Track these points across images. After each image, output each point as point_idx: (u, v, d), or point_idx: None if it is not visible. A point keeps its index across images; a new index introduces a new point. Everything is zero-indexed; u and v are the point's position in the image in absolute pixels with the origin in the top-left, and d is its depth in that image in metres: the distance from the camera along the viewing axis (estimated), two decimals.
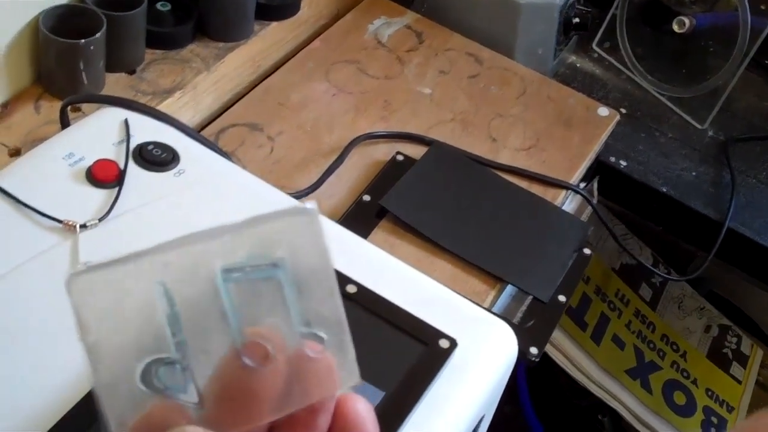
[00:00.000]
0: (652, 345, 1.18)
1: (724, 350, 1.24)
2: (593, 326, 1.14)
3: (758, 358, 1.26)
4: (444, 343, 0.51)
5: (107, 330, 0.29)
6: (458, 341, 0.51)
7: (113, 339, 0.29)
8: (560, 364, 1.09)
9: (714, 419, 1.15)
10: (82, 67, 0.74)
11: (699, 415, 1.14)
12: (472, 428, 0.54)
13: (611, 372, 1.11)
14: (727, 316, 1.27)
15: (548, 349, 1.07)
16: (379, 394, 0.48)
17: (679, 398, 1.14)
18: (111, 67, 0.78)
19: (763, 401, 1.21)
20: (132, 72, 0.80)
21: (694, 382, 1.17)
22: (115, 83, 0.79)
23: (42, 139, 0.63)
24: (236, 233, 0.30)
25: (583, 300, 1.15)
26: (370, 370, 0.49)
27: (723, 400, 1.18)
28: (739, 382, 1.21)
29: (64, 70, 0.74)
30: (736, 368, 1.22)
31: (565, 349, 1.10)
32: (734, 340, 1.26)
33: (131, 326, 0.29)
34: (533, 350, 0.69)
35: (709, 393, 1.17)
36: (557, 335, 1.09)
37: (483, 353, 0.53)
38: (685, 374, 1.17)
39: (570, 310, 1.12)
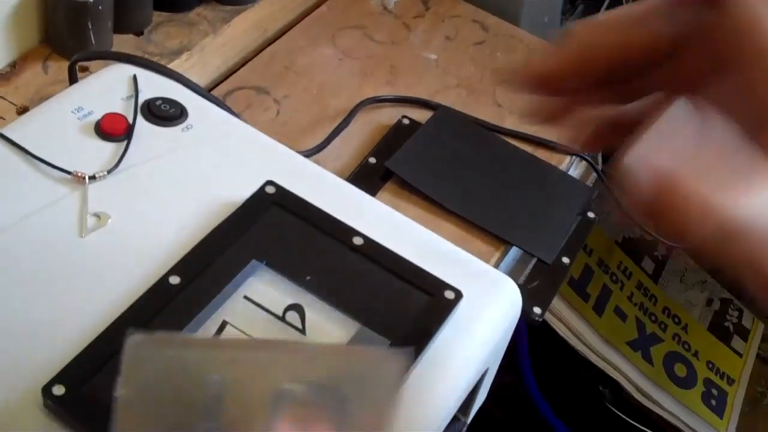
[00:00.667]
0: (653, 317, 1.18)
1: (726, 323, 1.24)
2: (595, 298, 1.14)
3: (759, 331, 1.26)
4: (449, 294, 0.51)
5: (143, 397, 0.29)
6: (463, 293, 0.52)
7: (145, 407, 0.29)
8: (562, 334, 1.09)
9: (714, 391, 1.15)
10: (90, 27, 0.74)
11: (699, 387, 1.14)
12: (477, 378, 0.54)
13: (613, 343, 1.12)
14: (729, 290, 1.28)
15: (550, 319, 1.07)
16: (385, 343, 0.49)
17: (680, 370, 1.15)
18: (119, 29, 0.79)
19: (763, 374, 1.21)
20: (139, 33, 0.80)
21: (695, 354, 1.18)
22: (122, 44, 0.79)
23: None
24: (317, 356, 0.29)
25: (586, 271, 1.15)
26: (375, 320, 0.50)
27: (723, 373, 1.18)
28: (740, 355, 1.22)
29: (72, 29, 0.75)
30: (737, 341, 1.23)
31: (567, 320, 1.10)
32: (735, 313, 1.26)
33: (169, 404, 0.29)
34: (536, 310, 0.69)
35: (710, 365, 1.18)
36: (559, 306, 1.10)
37: (488, 305, 0.53)
38: (686, 347, 1.18)
39: (572, 281, 1.12)
